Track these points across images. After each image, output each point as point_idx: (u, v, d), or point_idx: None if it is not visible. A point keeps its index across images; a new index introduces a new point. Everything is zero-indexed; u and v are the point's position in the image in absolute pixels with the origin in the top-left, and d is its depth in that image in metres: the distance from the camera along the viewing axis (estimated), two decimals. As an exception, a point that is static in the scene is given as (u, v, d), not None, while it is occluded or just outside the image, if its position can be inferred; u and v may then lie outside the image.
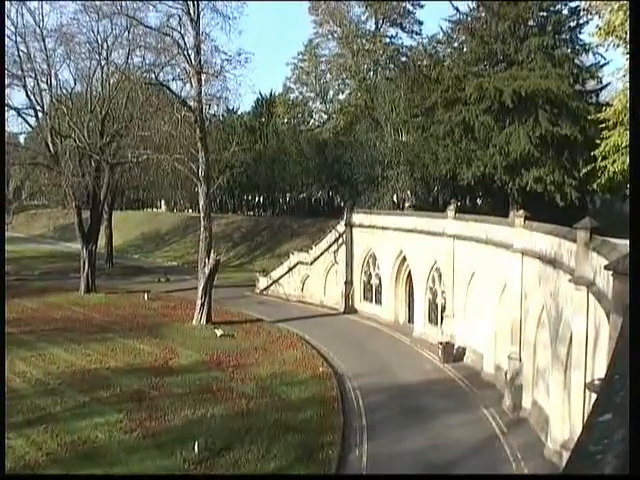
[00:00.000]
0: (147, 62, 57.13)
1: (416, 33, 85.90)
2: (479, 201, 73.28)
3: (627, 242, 20.65)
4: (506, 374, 32.89)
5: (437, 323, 44.38)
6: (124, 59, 60.23)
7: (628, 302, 11.85)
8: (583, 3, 39.45)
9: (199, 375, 35.69)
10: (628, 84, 27.56)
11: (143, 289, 60.73)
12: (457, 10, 59.09)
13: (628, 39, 20.46)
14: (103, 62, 60.58)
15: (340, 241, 55.51)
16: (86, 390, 33.01)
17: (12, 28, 56.86)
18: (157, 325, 47.60)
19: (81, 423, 28.76)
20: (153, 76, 51.71)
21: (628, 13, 20.41)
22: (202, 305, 48.52)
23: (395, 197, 68.29)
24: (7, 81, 54.57)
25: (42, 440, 26.93)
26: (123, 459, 25.31)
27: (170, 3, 47.00)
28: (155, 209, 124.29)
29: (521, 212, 34.51)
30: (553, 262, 27.34)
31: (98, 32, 58.46)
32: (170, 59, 50.44)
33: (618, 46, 26.08)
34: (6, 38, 53.25)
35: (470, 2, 59.39)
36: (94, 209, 62.93)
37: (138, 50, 57.39)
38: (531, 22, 55.38)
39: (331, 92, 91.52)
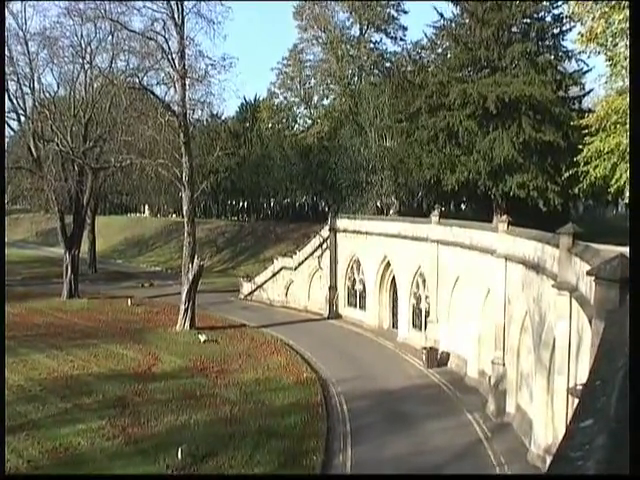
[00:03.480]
0: (131, 66, 57.11)
1: (400, 39, 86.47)
2: (463, 206, 73.57)
3: (609, 247, 20.77)
4: (490, 379, 32.99)
5: (421, 328, 44.46)
6: (108, 63, 60.08)
7: (609, 308, 11.92)
8: (566, 10, 39.77)
9: (182, 381, 35.58)
10: (610, 91, 27.77)
11: (126, 294, 60.43)
12: (441, 16, 59.33)
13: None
14: (87, 66, 60.32)
15: (324, 246, 55.52)
16: (68, 396, 32.79)
17: (-6, 31, 56.57)
18: (140, 331, 47.37)
19: (63, 430, 28.55)
20: (137, 80, 51.54)
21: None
22: (186, 310, 48.33)
23: (379, 202, 68.37)
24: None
25: (23, 447, 26.71)
26: (105, 466, 25.13)
27: (154, 7, 47.03)
28: (138, 214, 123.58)
29: (504, 217, 34.71)
30: (536, 267, 27.47)
31: (82, 36, 58.25)
32: (154, 63, 50.36)
33: (599, 53, 26.26)
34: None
35: (454, 9, 59.72)
36: (77, 214, 62.56)
37: (122, 54, 57.31)
38: (515, 29, 55.67)
39: (315, 97, 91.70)
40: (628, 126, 22.47)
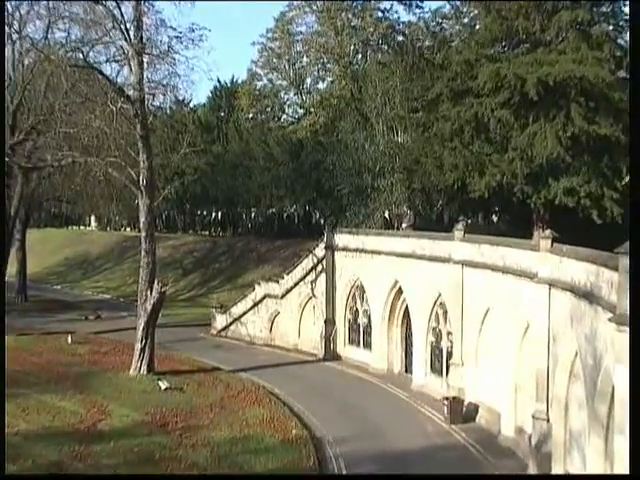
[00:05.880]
0: (73, 38, 57.01)
1: (416, 6, 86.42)
2: (495, 218, 73.53)
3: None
4: (530, 439, 32.81)
5: (442, 373, 44.36)
6: (42, 34, 60.03)
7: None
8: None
9: (137, 440, 35.23)
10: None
11: (66, 330, 60.18)
12: (469, -24, 59.55)
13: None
14: (14, 36, 60.28)
15: (319, 269, 55.51)
16: (-12, 462, 32.46)
17: None
18: (84, 376, 47.08)
19: (-20, 506, 28.25)
20: (81, 56, 51.36)
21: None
22: (142, 350, 48.15)
23: (389, 213, 68.30)
24: None
25: None
26: None
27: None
28: (83, 227, 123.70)
29: (548, 232, 34.50)
30: (589, 296, 27.28)
31: (7, -4, 58.20)
32: (103, 35, 50.14)
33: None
34: None
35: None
36: (2, 226, 62.34)
37: (61, 22, 57.24)
38: (562, -9, 55.75)
39: (308, 80, 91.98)
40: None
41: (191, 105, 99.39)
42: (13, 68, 61.65)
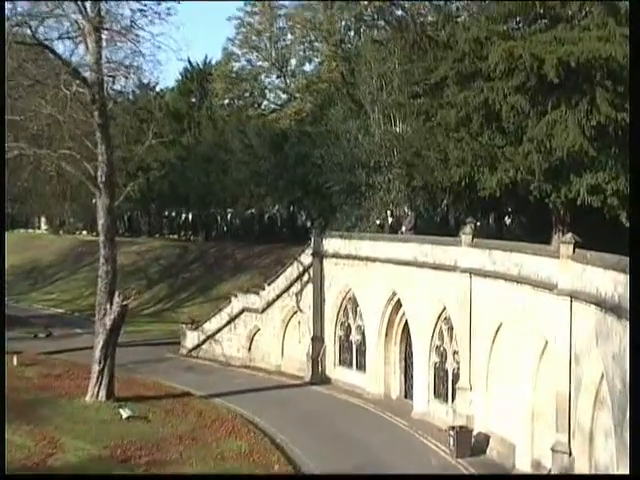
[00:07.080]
0: (19, 11, 56.62)
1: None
2: (508, 220, 73.63)
3: None
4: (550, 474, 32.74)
5: (447, 399, 44.33)
6: (-16, 5, 59.83)
7: None
8: None
9: (94, 478, 35.10)
10: None
11: (11, 349, 59.73)
12: (477, -58, 59.60)
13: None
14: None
15: (305, 278, 55.44)
16: None
17: None
18: (32, 403, 46.81)
19: None
20: (29, 32, 51.12)
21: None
22: (100, 373, 47.89)
23: (387, 214, 68.31)
24: None
25: None
26: None
27: None
28: (32, 230, 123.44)
29: (569, 236, 34.53)
30: (617, 310, 27.24)
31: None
32: (54, 7, 49.91)
33: None
34: None
35: None
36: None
37: (5, -8, 56.97)
38: (586, -41, 55.87)
39: (293, 61, 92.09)
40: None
41: (158, 89, 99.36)
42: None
